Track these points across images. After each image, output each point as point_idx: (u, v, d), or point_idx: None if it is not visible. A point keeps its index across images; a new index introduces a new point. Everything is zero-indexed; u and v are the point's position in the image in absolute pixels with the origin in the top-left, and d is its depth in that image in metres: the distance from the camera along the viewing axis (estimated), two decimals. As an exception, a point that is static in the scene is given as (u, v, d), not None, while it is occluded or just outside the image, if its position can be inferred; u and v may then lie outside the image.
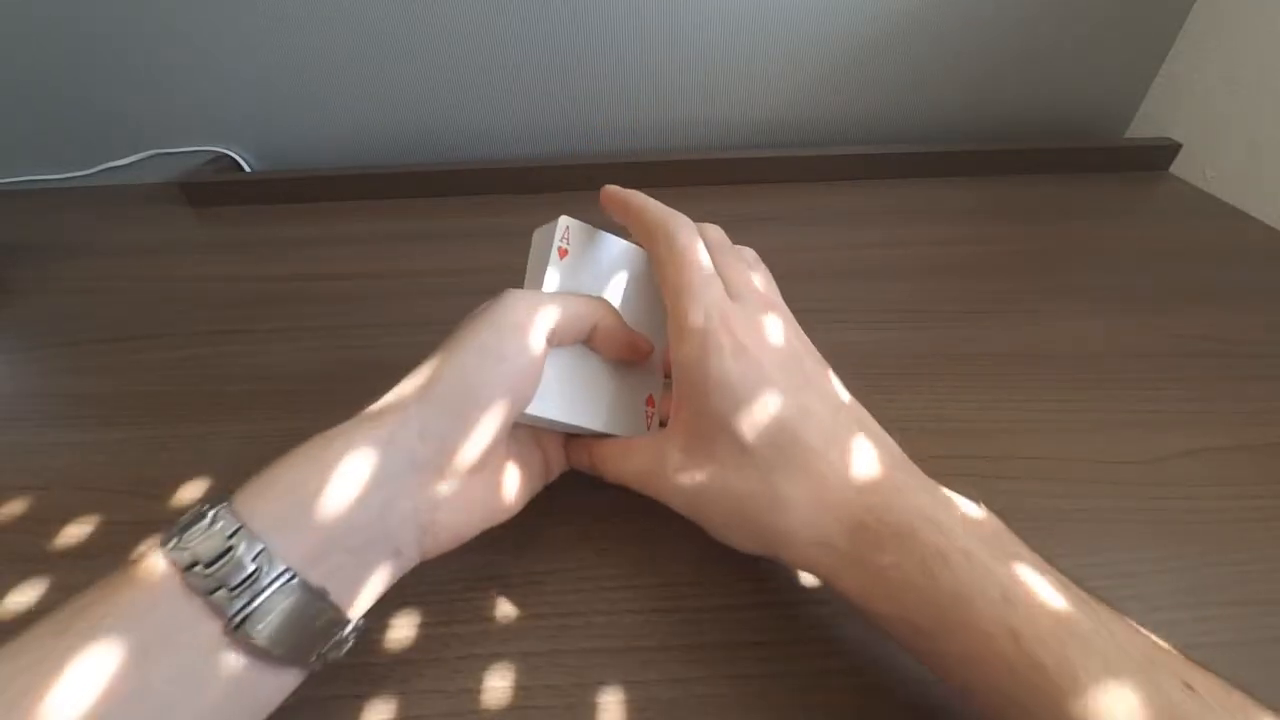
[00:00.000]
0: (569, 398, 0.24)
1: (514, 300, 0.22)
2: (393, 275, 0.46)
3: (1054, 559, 0.25)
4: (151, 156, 0.62)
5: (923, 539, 0.18)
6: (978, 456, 0.30)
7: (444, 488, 0.21)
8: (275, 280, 0.46)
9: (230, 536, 0.17)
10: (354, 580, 0.19)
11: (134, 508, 0.29)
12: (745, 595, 0.24)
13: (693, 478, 0.22)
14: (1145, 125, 0.61)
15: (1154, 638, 0.17)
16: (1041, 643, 0.16)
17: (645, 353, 0.26)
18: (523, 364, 0.21)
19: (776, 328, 0.23)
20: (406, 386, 0.21)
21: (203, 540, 0.17)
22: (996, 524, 0.19)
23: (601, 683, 0.22)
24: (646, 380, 0.27)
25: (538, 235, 0.27)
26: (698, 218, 0.26)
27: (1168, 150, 0.57)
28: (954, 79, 0.59)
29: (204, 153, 0.62)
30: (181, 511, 0.28)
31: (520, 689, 0.22)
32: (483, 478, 0.22)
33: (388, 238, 0.52)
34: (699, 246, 0.24)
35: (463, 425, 0.21)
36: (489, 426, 0.21)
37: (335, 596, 0.19)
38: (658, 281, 0.24)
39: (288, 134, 0.61)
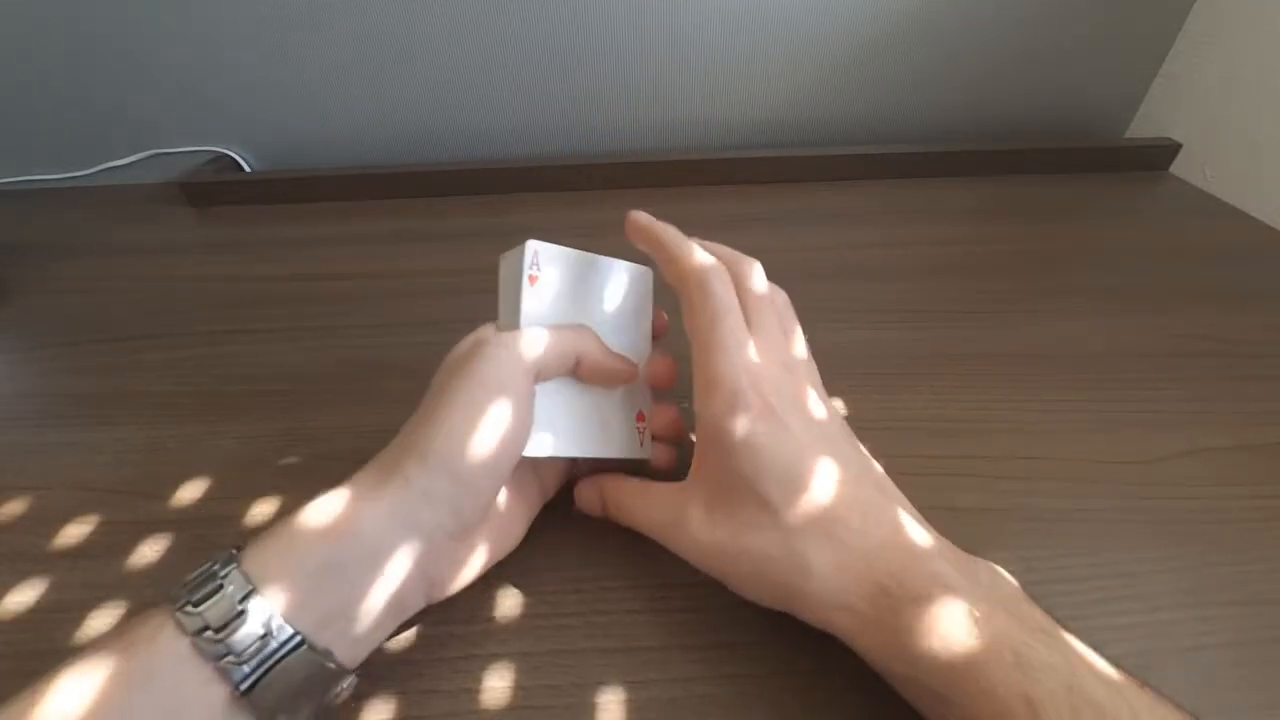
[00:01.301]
0: (562, 431, 0.24)
1: (495, 351, 0.22)
2: (393, 275, 0.46)
3: (1054, 559, 0.26)
4: (151, 156, 0.62)
5: (939, 605, 0.18)
6: (978, 456, 0.30)
7: (451, 547, 0.21)
8: (275, 280, 0.46)
9: (241, 601, 0.17)
10: (359, 639, 0.20)
11: (134, 508, 0.29)
12: (745, 595, 0.24)
13: (713, 536, 0.22)
14: (1145, 125, 0.61)
15: (1170, 703, 0.17)
16: (1055, 710, 0.16)
17: (630, 377, 0.26)
18: (515, 417, 0.21)
19: (804, 391, 0.23)
20: (403, 453, 0.21)
21: (213, 605, 0.17)
22: (1013, 588, 0.19)
23: (601, 683, 0.22)
24: (634, 397, 0.27)
25: (505, 262, 0.25)
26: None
27: (1168, 150, 0.57)
28: (954, 79, 0.59)
29: (204, 153, 0.62)
30: (182, 511, 0.28)
31: (520, 689, 0.22)
32: (489, 526, 0.23)
33: (388, 238, 0.52)
34: (733, 302, 0.23)
35: (465, 489, 0.21)
36: (491, 484, 0.22)
37: (339, 655, 0.19)
38: (685, 321, 0.24)
39: (288, 134, 0.61)
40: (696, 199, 0.55)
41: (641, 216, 0.26)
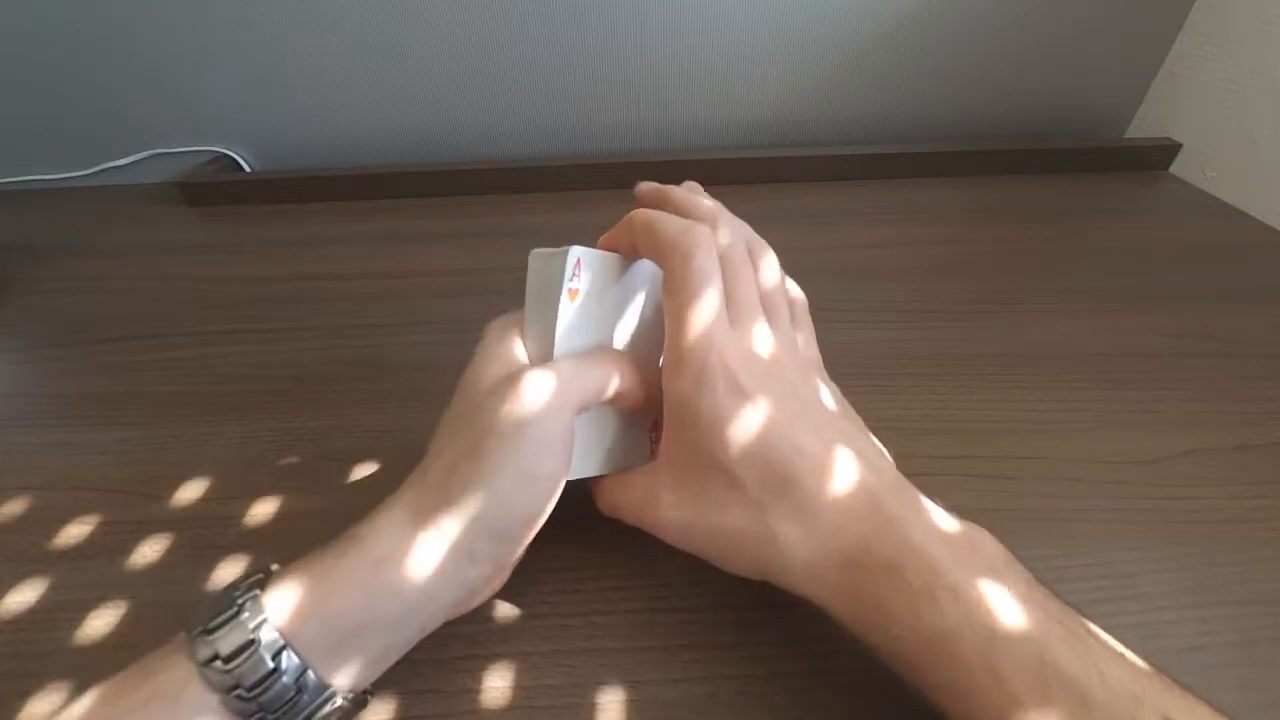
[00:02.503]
0: (583, 453, 0.23)
1: (537, 403, 0.20)
2: (393, 275, 0.46)
3: (1054, 559, 0.26)
4: (151, 156, 0.62)
5: (909, 576, 0.18)
6: (978, 456, 0.30)
7: (483, 572, 0.21)
8: (275, 280, 0.46)
9: (274, 657, 0.17)
10: (376, 675, 0.20)
11: (134, 508, 0.29)
12: (745, 595, 0.24)
13: (683, 514, 0.22)
14: (1145, 125, 0.61)
15: (1146, 669, 0.17)
16: (1024, 683, 0.16)
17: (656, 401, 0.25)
18: (561, 471, 0.21)
19: (770, 350, 0.22)
20: (446, 507, 0.20)
21: (245, 659, 0.17)
22: (993, 551, 0.19)
23: (601, 683, 0.22)
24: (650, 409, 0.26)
25: (538, 261, 0.23)
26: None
27: (1168, 150, 0.57)
28: (954, 79, 0.59)
29: (204, 153, 0.62)
30: (182, 511, 0.28)
31: (520, 689, 0.22)
32: None
33: (388, 238, 0.52)
34: (715, 276, 0.22)
35: (512, 550, 0.21)
36: (531, 535, 0.21)
37: (358, 687, 0.19)
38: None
39: (288, 134, 0.61)
40: (696, 199, 0.55)
41: (648, 187, 0.25)
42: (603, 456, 0.24)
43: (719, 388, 0.20)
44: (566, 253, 0.22)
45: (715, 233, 0.23)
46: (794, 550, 0.20)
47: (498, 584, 0.22)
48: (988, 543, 0.19)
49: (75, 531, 0.28)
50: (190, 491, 0.29)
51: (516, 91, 0.59)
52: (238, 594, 0.18)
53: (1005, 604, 0.17)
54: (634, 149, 0.62)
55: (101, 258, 0.50)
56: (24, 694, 0.22)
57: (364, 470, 0.30)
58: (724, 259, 0.22)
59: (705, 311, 0.21)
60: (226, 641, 0.17)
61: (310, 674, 0.17)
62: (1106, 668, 0.16)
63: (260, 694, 0.17)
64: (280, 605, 0.18)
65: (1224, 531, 0.27)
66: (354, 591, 0.18)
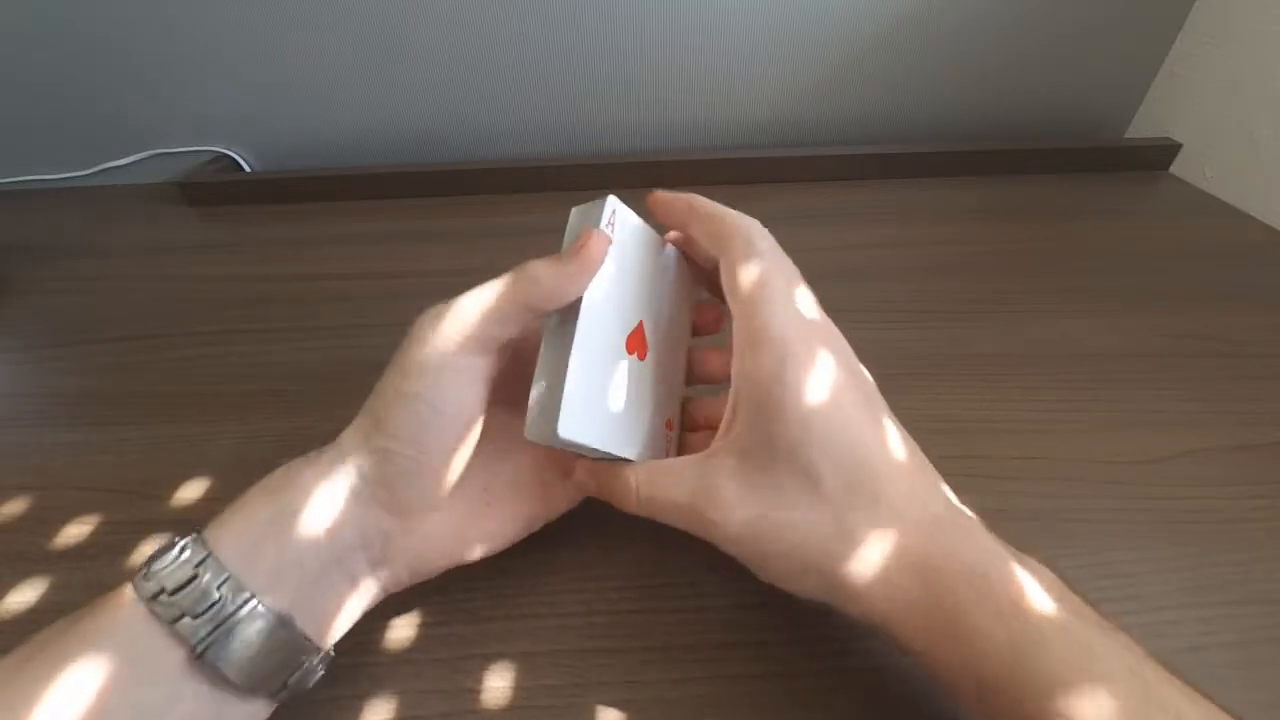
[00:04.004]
0: (599, 421, 0.21)
1: (431, 321, 0.21)
2: (393, 275, 0.46)
3: (1054, 559, 0.25)
4: (151, 156, 0.62)
5: (996, 582, 0.17)
6: (978, 456, 0.30)
7: (390, 523, 0.20)
8: (275, 280, 0.46)
9: (197, 565, 0.17)
10: (318, 609, 0.19)
11: (134, 508, 0.29)
12: (745, 595, 0.24)
13: (747, 511, 0.20)
14: (1145, 125, 0.61)
15: (1215, 706, 0.16)
16: (1128, 694, 0.15)
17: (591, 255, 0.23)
18: (443, 395, 0.20)
19: (850, 356, 0.21)
20: (354, 427, 0.21)
21: (170, 570, 0.17)
22: (1051, 577, 0.18)
23: (601, 683, 0.22)
24: (668, 402, 0.25)
25: (578, 213, 0.23)
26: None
27: (1168, 150, 0.57)
28: (954, 79, 0.59)
29: (204, 153, 0.62)
30: (182, 511, 0.28)
31: (520, 689, 0.22)
32: (444, 517, 0.21)
33: (388, 238, 0.52)
34: (779, 253, 0.22)
35: (401, 470, 0.20)
36: (433, 472, 0.21)
37: (301, 624, 0.19)
38: (726, 293, 0.22)
39: (288, 134, 0.61)
40: (696, 199, 0.55)
41: (665, 194, 0.24)
42: (621, 432, 0.22)
43: (806, 369, 0.19)
44: (605, 201, 0.22)
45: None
46: (870, 551, 0.18)
47: (421, 548, 0.21)
48: (1046, 571, 0.18)
49: (75, 531, 0.28)
50: (190, 491, 0.29)
51: (516, 91, 0.59)
52: (180, 535, 0.19)
53: (1093, 623, 0.17)
54: (634, 149, 0.62)
55: (102, 258, 0.50)
56: (24, 694, 0.22)
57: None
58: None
59: (781, 291, 0.20)
60: (158, 559, 0.18)
61: (232, 581, 0.18)
62: (1186, 706, 0.15)
63: (182, 598, 0.17)
64: (212, 527, 0.19)
65: (1224, 531, 0.27)
66: (262, 493, 0.20)
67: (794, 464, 0.19)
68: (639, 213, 0.24)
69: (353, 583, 0.20)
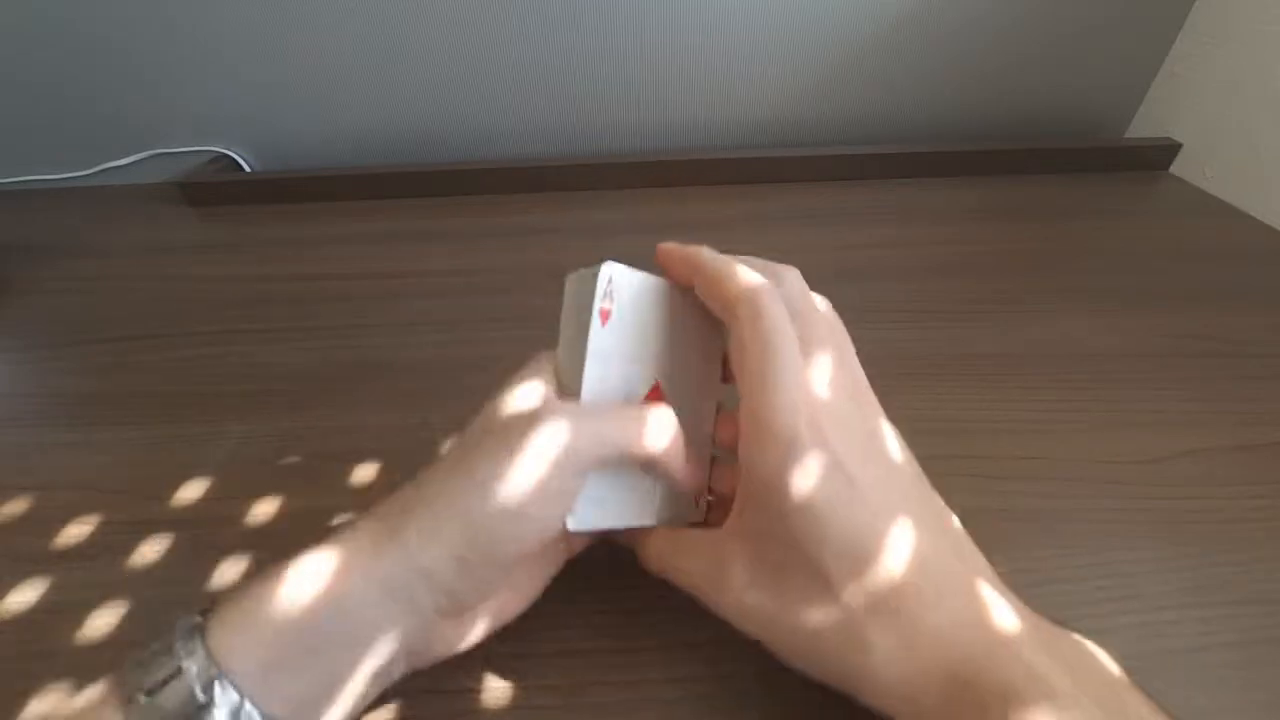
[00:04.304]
0: (610, 500, 0.21)
1: (541, 435, 0.18)
2: (393, 275, 0.46)
3: (1054, 559, 0.26)
4: (151, 156, 0.62)
5: (1028, 703, 0.15)
6: (978, 456, 0.30)
7: (441, 627, 0.19)
8: (275, 280, 0.46)
9: (204, 690, 0.15)
10: (324, 713, 0.18)
11: (134, 508, 0.29)
12: (745, 595, 0.24)
13: (758, 602, 0.19)
14: (1145, 125, 0.61)
15: None
16: None
17: (699, 485, 0.23)
18: (549, 519, 0.19)
19: (877, 430, 0.20)
20: (408, 519, 0.18)
21: (171, 692, 0.15)
22: (1111, 673, 0.17)
23: (601, 683, 0.22)
24: (694, 452, 0.23)
25: (574, 283, 0.21)
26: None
27: (1168, 150, 0.57)
28: (954, 79, 0.59)
29: (204, 153, 0.62)
30: (182, 511, 0.28)
31: (520, 689, 0.22)
32: (484, 607, 0.20)
33: (388, 238, 0.52)
34: (789, 327, 0.19)
35: (476, 584, 0.19)
36: (500, 575, 0.19)
37: None
38: (734, 350, 0.20)
39: (288, 134, 0.61)
40: (697, 199, 0.55)
41: (672, 246, 0.22)
42: (636, 502, 0.22)
43: (814, 464, 0.18)
44: (598, 270, 0.20)
45: (777, 280, 0.21)
46: (889, 664, 0.17)
47: (464, 635, 0.20)
48: (1100, 656, 0.17)
49: (75, 531, 0.28)
50: (190, 491, 0.29)
51: (516, 91, 0.59)
52: (180, 619, 0.17)
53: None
54: (634, 149, 0.62)
55: (102, 258, 0.50)
56: (24, 694, 0.22)
57: (364, 470, 0.30)
58: (789, 308, 0.20)
59: (788, 372, 0.18)
60: (155, 669, 0.16)
61: (248, 705, 0.15)
62: None
63: None
64: (217, 623, 0.16)
65: (1224, 531, 0.26)
66: (295, 605, 0.17)
67: (805, 565, 0.18)
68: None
69: (383, 685, 0.19)
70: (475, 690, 0.22)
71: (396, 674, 0.19)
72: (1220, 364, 0.35)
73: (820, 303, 0.22)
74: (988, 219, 0.52)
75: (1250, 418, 0.32)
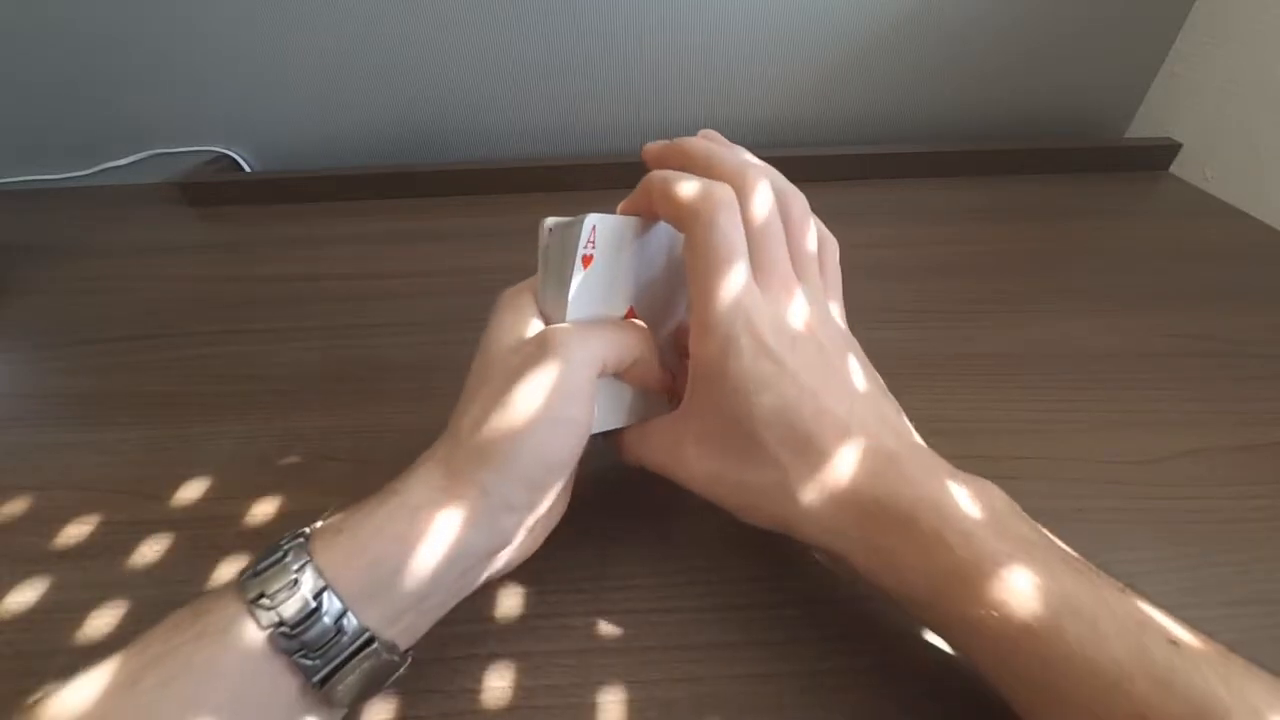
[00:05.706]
0: (608, 408, 0.23)
1: (562, 361, 0.21)
2: (393, 275, 0.46)
3: (1054, 559, 0.25)
4: (151, 156, 0.62)
5: (922, 525, 0.19)
6: (978, 456, 0.29)
7: (512, 548, 0.22)
8: (275, 280, 0.46)
9: (315, 596, 0.17)
10: (419, 630, 0.21)
11: (134, 508, 0.29)
12: (746, 595, 0.24)
13: (707, 468, 0.23)
14: (1145, 125, 0.61)
15: (1145, 604, 0.17)
16: (1033, 613, 0.17)
17: (669, 388, 0.26)
18: (585, 426, 0.22)
19: (801, 318, 0.22)
20: (477, 461, 0.20)
21: (288, 598, 0.17)
22: (1003, 505, 0.20)
23: (601, 683, 0.22)
24: (666, 357, 0.26)
25: (554, 230, 0.23)
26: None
27: (1168, 150, 0.57)
28: (954, 79, 0.59)
29: (204, 153, 0.62)
30: (182, 511, 0.28)
31: (520, 689, 0.22)
32: (549, 515, 0.23)
33: (388, 238, 0.52)
34: (736, 236, 0.21)
35: (542, 496, 0.21)
36: (563, 484, 0.22)
37: (403, 644, 0.20)
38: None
39: (288, 134, 0.61)
40: (696, 199, 0.55)
41: (648, 156, 0.25)
42: (624, 411, 0.25)
43: (744, 354, 0.21)
44: (582, 222, 0.22)
45: (742, 190, 0.22)
46: (813, 507, 0.21)
47: (530, 545, 0.23)
48: (995, 494, 0.20)
49: (75, 531, 0.28)
50: (190, 491, 0.29)
51: (516, 91, 0.59)
52: (285, 541, 0.19)
53: (1014, 543, 0.18)
54: (634, 149, 0.62)
55: (102, 258, 0.50)
56: (24, 694, 0.22)
57: (364, 470, 0.30)
58: (751, 222, 0.22)
59: (732, 282, 0.21)
60: (272, 582, 0.18)
61: (350, 616, 0.18)
62: (1112, 597, 0.17)
63: (302, 632, 0.17)
64: (323, 551, 0.18)
65: (1224, 531, 0.26)
66: (392, 539, 0.19)
67: (743, 436, 0.21)
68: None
69: (462, 589, 0.21)
70: (475, 690, 0.22)
71: (472, 584, 0.22)
72: (1220, 364, 0.35)
73: (824, 239, 0.25)
74: (988, 219, 0.52)
75: (1250, 418, 0.32)
